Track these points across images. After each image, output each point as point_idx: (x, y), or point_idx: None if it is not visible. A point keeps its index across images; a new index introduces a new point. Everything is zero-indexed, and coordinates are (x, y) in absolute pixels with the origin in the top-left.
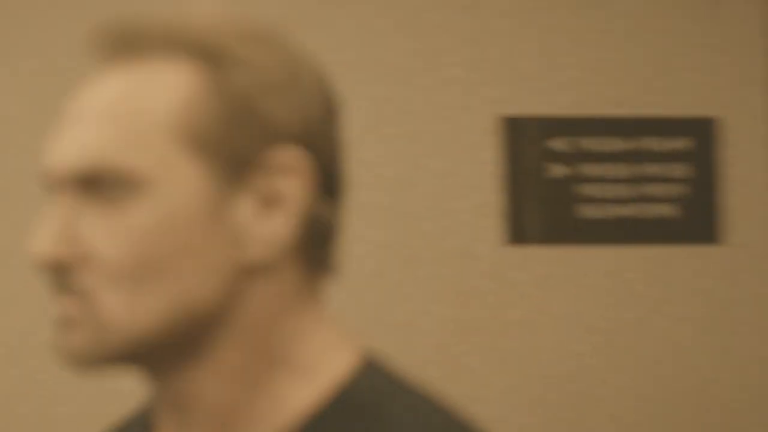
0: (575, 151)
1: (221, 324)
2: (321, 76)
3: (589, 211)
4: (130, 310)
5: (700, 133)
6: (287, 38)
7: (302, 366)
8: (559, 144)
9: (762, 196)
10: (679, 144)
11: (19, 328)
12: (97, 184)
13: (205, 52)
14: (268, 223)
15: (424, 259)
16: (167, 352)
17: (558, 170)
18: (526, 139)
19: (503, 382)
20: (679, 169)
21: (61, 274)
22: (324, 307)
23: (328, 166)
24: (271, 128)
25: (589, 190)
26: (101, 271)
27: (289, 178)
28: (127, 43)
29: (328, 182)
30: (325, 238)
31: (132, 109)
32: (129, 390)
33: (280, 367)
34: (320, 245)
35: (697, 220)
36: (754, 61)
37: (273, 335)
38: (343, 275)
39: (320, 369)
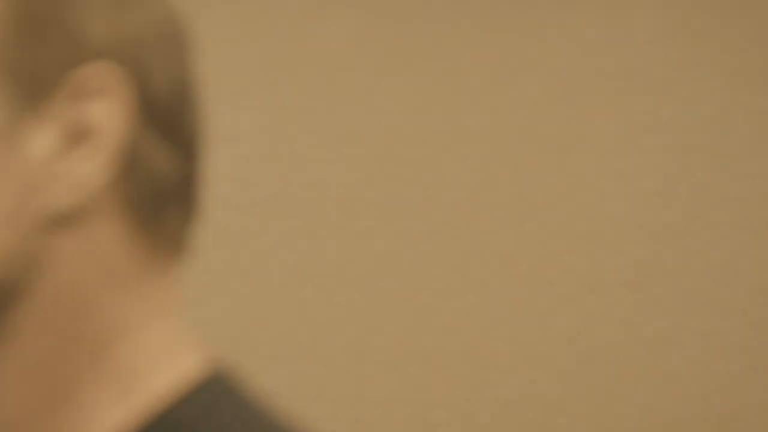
0: None
1: (15, 298)
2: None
3: None
4: None
5: None
6: None
7: (121, 373)
8: None
9: None
10: None
11: None
12: None
13: None
14: (73, 160)
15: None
16: None
17: None
18: None
19: None
20: None
21: None
22: (170, 298)
23: (167, 102)
24: (80, 43)
25: None
26: None
27: (100, 102)
28: None
29: (168, 123)
30: (159, 191)
31: None
32: None
33: (91, 371)
34: (154, 202)
35: None
36: None
37: (86, 322)
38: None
39: (143, 380)
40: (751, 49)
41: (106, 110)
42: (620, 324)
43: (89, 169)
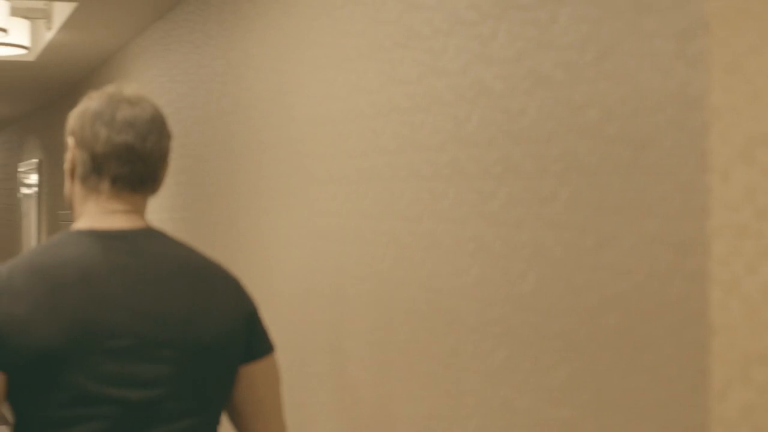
0: None
1: (74, 202)
2: (96, 117)
3: None
4: None
5: None
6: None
7: (78, 223)
8: None
9: None
10: None
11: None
12: None
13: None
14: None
15: None
16: None
17: None
18: None
19: None
20: None
21: None
22: (90, 207)
23: (87, 146)
24: (77, 136)
25: None
26: None
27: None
28: None
29: (88, 152)
30: (84, 174)
31: None
32: None
33: (77, 221)
34: (83, 177)
35: None
36: None
37: (77, 210)
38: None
39: (77, 225)
40: None
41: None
42: None
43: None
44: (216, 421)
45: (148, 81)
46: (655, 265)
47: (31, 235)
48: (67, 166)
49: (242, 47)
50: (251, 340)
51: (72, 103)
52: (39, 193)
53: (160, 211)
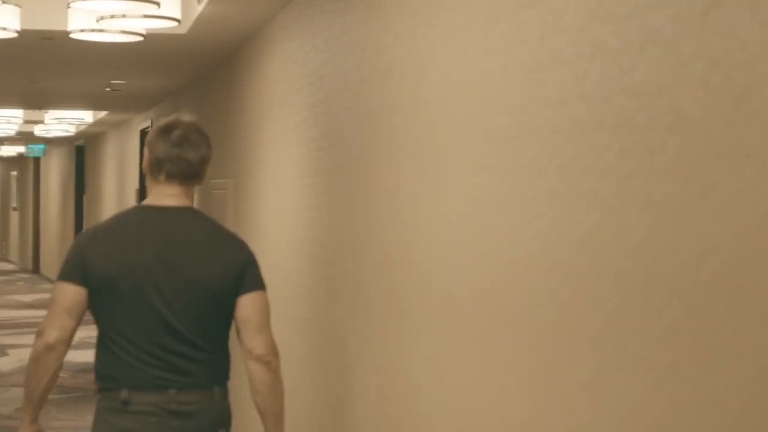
0: None
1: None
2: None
3: None
4: None
5: None
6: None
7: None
8: None
9: None
10: None
11: None
12: None
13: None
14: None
15: None
16: None
17: None
18: None
19: None
20: None
21: None
22: (157, 191)
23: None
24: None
25: None
26: None
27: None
28: None
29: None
30: (152, 171)
31: None
32: None
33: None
34: (152, 172)
35: None
36: None
37: (149, 191)
38: None
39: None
40: None
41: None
42: None
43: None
44: (225, 337)
45: (293, 51)
46: (755, 211)
47: None
48: (144, 164)
49: (380, 13)
50: (243, 280)
51: (224, 75)
52: None
53: (301, 177)
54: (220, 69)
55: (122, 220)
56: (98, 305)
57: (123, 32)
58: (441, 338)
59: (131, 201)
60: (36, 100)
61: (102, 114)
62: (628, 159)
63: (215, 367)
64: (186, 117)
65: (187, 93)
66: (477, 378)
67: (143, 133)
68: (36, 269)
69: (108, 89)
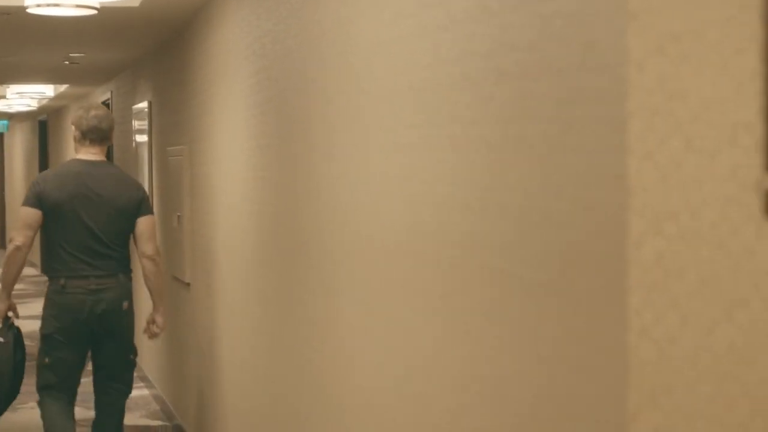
0: None
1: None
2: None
3: None
4: None
5: None
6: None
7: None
8: None
9: None
10: None
11: None
12: None
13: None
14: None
15: None
16: None
17: None
18: None
19: None
20: None
21: None
22: (82, 151)
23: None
24: (77, 125)
25: None
26: None
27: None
28: None
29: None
30: (80, 136)
31: None
32: None
33: None
34: (80, 138)
35: None
36: None
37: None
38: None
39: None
40: None
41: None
42: None
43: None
44: (127, 243)
45: (239, 21)
46: (583, 138)
47: (144, 166)
48: (74, 135)
49: None
50: (140, 208)
51: (177, 46)
52: (150, 131)
53: (249, 140)
54: (174, 40)
55: (65, 167)
56: (48, 221)
57: (78, 6)
58: (367, 282)
59: None
60: None
61: (63, 88)
62: (509, 107)
63: (120, 262)
64: (96, 104)
65: (144, 65)
66: (398, 315)
67: (104, 106)
68: (2, 243)
69: (67, 62)
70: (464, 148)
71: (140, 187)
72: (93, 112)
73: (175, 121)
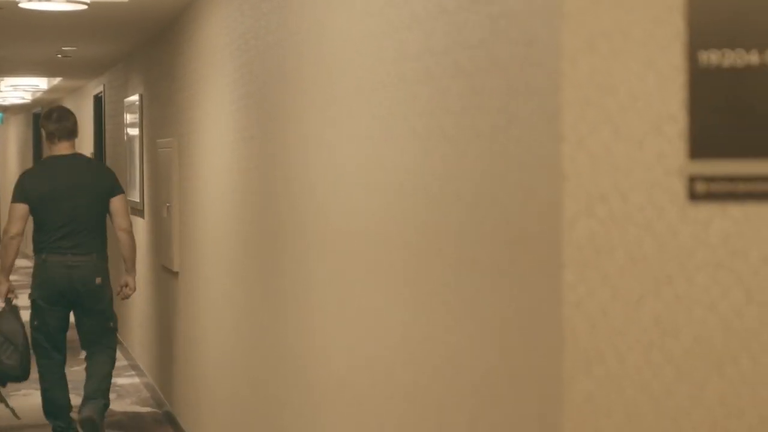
0: None
1: None
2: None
3: None
4: None
5: None
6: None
7: None
8: None
9: None
10: None
11: None
12: None
13: None
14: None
15: None
16: None
17: None
18: None
19: None
20: None
21: None
22: (54, 149)
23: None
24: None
25: None
26: None
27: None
28: None
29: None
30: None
31: None
32: None
33: None
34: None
35: None
36: None
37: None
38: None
39: None
40: None
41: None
42: None
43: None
44: (102, 225)
45: (224, 17)
46: (524, 128)
47: (136, 159)
48: (44, 137)
49: None
50: (113, 189)
51: (167, 41)
52: (141, 124)
53: (233, 132)
54: (163, 35)
55: (43, 164)
56: (35, 211)
57: (68, 1)
58: (339, 267)
59: None
60: None
61: (57, 80)
62: (463, 100)
63: (96, 244)
64: (57, 106)
65: (136, 58)
66: (366, 297)
67: (97, 99)
68: None
69: (59, 56)
70: (424, 138)
71: (110, 172)
72: (55, 114)
73: (164, 114)
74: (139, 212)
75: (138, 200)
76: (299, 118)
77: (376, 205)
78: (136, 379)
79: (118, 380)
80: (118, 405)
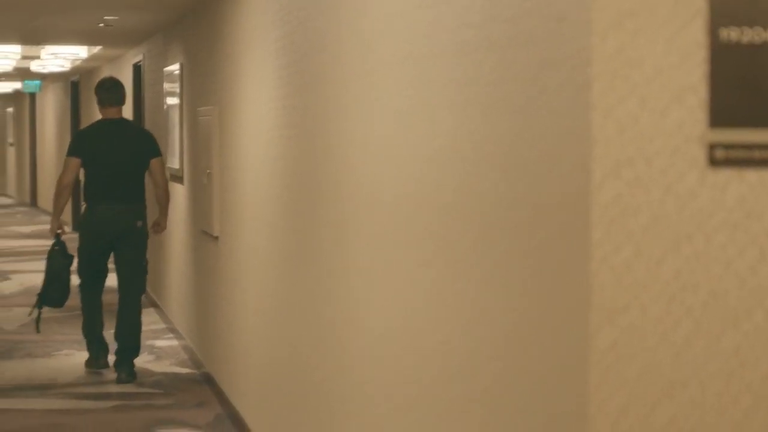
0: None
1: None
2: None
3: None
4: None
5: None
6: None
7: None
8: None
9: None
10: None
11: None
12: None
13: None
14: None
15: None
16: None
17: None
18: None
19: None
20: None
21: None
22: (104, 113)
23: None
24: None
25: None
26: None
27: None
28: None
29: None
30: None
31: None
32: None
33: None
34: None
35: None
36: None
37: None
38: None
39: None
40: None
41: None
42: None
43: None
44: (142, 179)
45: None
46: (555, 98)
47: (175, 126)
48: (97, 103)
49: None
50: (152, 151)
51: (209, 10)
52: (181, 93)
53: (274, 101)
54: (204, 5)
55: (95, 125)
56: (86, 164)
57: None
58: (374, 231)
59: None
60: (33, 36)
61: (96, 49)
62: (497, 72)
63: (137, 193)
64: (109, 77)
65: (176, 28)
66: (400, 259)
67: (136, 68)
68: (33, 202)
69: (101, 25)
70: (459, 107)
71: (151, 135)
72: (107, 84)
73: (205, 83)
74: (179, 179)
75: (177, 167)
76: (338, 88)
77: (412, 172)
78: (175, 342)
79: (156, 342)
80: (157, 366)
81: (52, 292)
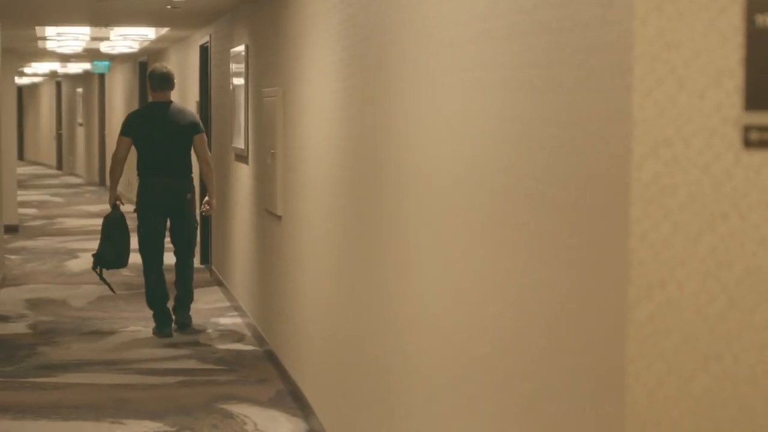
0: None
1: None
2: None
3: None
4: None
5: None
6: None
7: None
8: None
9: None
10: None
11: None
12: None
13: None
14: None
15: None
16: None
17: None
18: None
19: None
20: None
21: None
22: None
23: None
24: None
25: None
26: None
27: None
28: None
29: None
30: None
31: None
32: None
33: None
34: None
35: None
36: None
37: None
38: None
39: None
40: None
41: None
42: None
43: None
44: (188, 155)
45: None
46: (600, 80)
47: (241, 107)
48: (148, 88)
49: None
50: (196, 129)
51: None
52: (246, 74)
53: (335, 82)
54: None
55: (145, 107)
56: (137, 143)
57: None
58: (431, 209)
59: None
60: (102, 18)
61: (164, 31)
62: (548, 55)
63: (185, 167)
64: (159, 64)
65: (242, 10)
66: (456, 236)
67: (203, 49)
68: (102, 182)
69: (169, 7)
70: (512, 89)
71: (195, 115)
72: (158, 72)
73: (270, 64)
74: (244, 159)
75: (243, 147)
76: (398, 70)
77: (467, 152)
78: (238, 319)
79: (220, 320)
80: (220, 343)
81: (107, 255)
